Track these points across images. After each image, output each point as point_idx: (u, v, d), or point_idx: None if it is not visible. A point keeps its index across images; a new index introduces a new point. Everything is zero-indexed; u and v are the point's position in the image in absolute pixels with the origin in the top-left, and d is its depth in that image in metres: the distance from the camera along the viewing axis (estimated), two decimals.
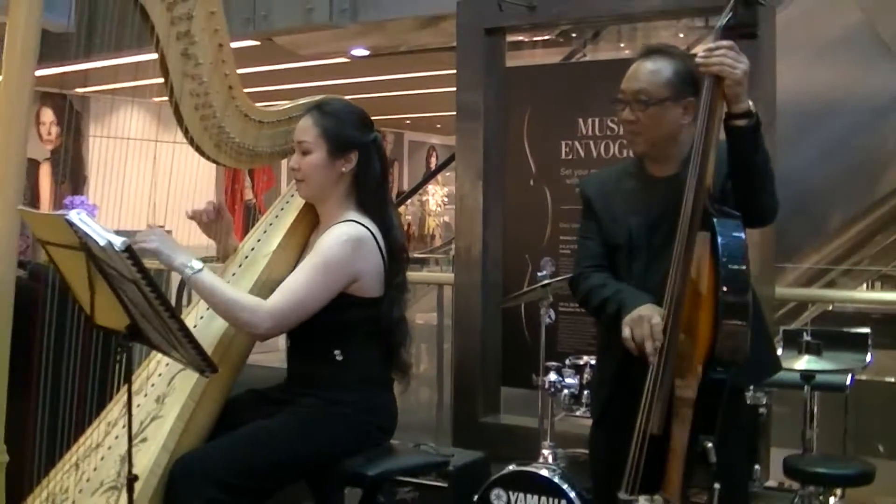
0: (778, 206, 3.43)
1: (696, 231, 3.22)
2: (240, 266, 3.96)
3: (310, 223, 4.04)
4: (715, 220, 3.20)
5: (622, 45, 9.35)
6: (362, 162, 3.88)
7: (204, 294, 3.68)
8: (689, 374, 3.22)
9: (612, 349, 3.55)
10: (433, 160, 24.86)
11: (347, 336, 3.82)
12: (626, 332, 3.33)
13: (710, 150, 3.23)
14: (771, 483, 5.20)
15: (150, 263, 3.03)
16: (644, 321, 3.30)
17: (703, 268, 3.22)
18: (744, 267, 3.17)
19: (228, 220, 4.12)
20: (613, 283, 3.61)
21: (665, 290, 3.29)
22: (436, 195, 24.12)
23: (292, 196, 4.12)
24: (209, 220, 4.06)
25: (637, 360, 3.33)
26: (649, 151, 3.58)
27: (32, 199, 14.70)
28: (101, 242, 2.89)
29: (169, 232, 3.77)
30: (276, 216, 4.11)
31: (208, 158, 3.94)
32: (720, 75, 3.21)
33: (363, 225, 3.80)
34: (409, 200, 21.07)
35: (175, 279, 8.23)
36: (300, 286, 3.71)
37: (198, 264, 3.64)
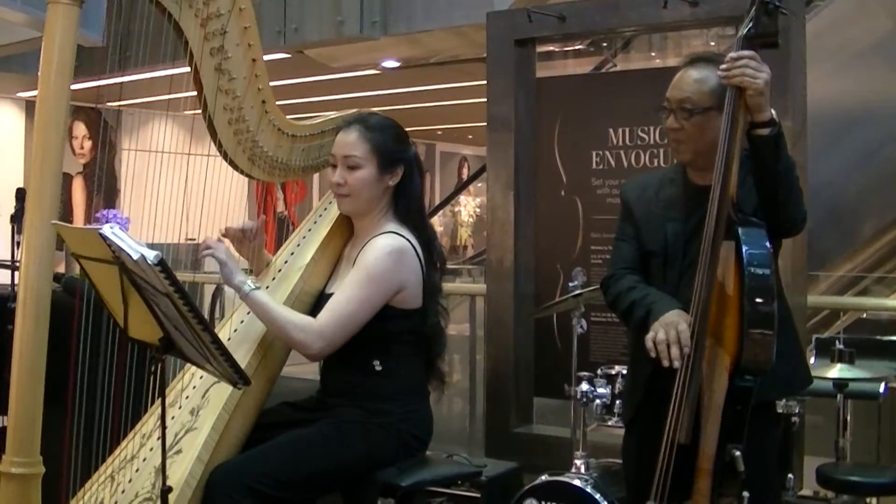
0: (805, 218, 3.42)
1: (721, 240, 3.22)
2: (273, 279, 4.00)
3: (343, 235, 4.07)
4: (739, 228, 3.20)
5: (653, 54, 9.34)
6: (406, 176, 3.91)
7: (258, 312, 3.72)
8: (716, 383, 3.22)
9: (645, 355, 3.57)
10: (465, 171, 24.82)
11: (387, 347, 3.85)
12: (650, 335, 3.33)
13: (734, 160, 3.23)
14: (805, 492, 5.17)
15: (181, 277, 3.05)
16: (670, 327, 3.30)
17: (728, 276, 3.22)
18: (769, 275, 3.17)
19: (261, 238, 4.14)
20: (643, 287, 3.61)
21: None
22: (468, 206, 24.10)
23: (325, 209, 4.15)
24: (244, 239, 4.09)
25: (669, 367, 3.33)
26: (694, 160, 3.56)
27: (66, 212, 14.76)
28: (135, 256, 2.91)
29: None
30: (310, 229, 4.14)
31: (242, 172, 3.96)
32: (741, 86, 3.21)
33: (403, 236, 3.83)
34: (441, 211, 21.06)
35: (208, 293, 8.27)
36: (347, 302, 3.74)
37: (255, 283, 3.72)
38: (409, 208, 3.93)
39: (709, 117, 3.46)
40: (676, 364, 3.26)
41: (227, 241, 3.96)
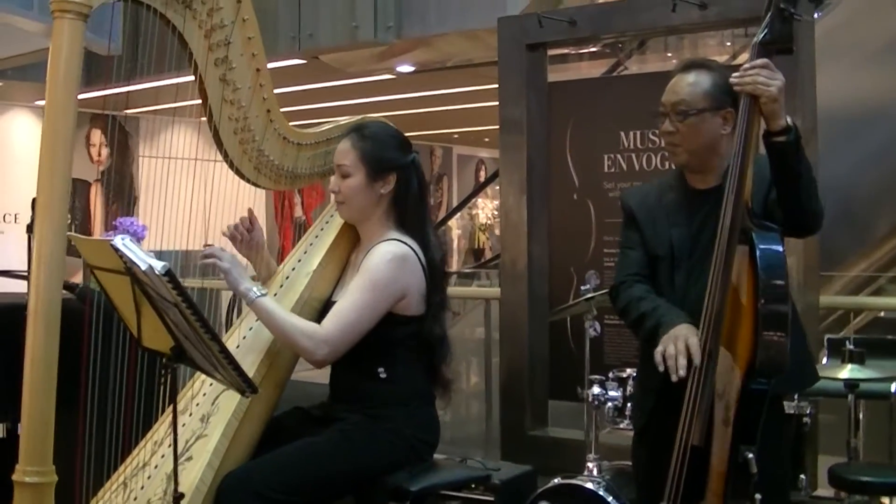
0: (823, 213, 3.44)
1: (735, 246, 3.24)
2: (281, 286, 4.02)
3: (350, 241, 4.09)
4: (754, 233, 3.21)
5: (669, 54, 9.35)
6: (401, 183, 3.93)
7: (264, 318, 3.75)
8: (729, 386, 3.23)
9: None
10: (482, 174, 24.77)
11: (391, 353, 3.87)
12: (659, 349, 3.36)
13: (748, 167, 3.25)
14: (819, 492, 5.16)
15: (191, 284, 3.07)
16: (679, 340, 3.33)
17: (742, 281, 3.23)
18: (783, 279, 3.18)
19: (258, 238, 4.17)
20: (652, 298, 3.64)
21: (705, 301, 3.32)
22: (485, 209, 24.05)
23: (332, 216, 4.17)
24: (243, 237, 4.12)
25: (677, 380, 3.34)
26: (690, 162, 3.61)
27: (84, 220, 14.81)
28: (143, 267, 2.95)
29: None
30: (317, 235, 4.17)
31: (248, 181, 3.99)
32: (754, 94, 3.23)
33: (405, 243, 3.85)
34: (459, 214, 21.05)
35: (225, 299, 8.30)
36: (351, 309, 3.77)
37: (262, 290, 3.74)
38: (407, 215, 3.94)
39: (702, 118, 3.53)
40: (682, 373, 3.28)
41: (231, 247, 3.99)
